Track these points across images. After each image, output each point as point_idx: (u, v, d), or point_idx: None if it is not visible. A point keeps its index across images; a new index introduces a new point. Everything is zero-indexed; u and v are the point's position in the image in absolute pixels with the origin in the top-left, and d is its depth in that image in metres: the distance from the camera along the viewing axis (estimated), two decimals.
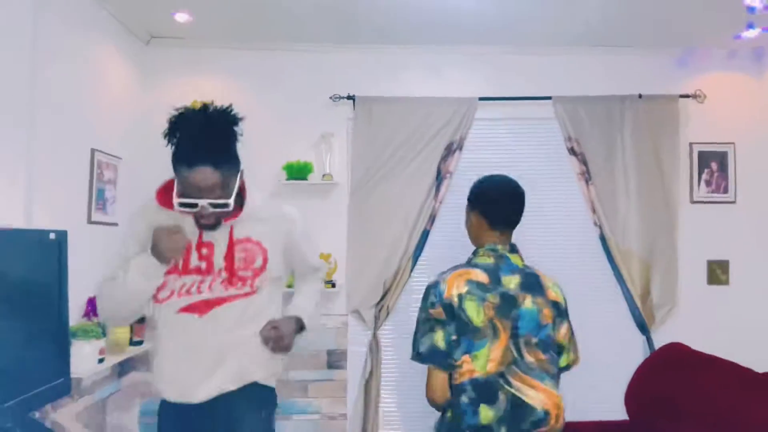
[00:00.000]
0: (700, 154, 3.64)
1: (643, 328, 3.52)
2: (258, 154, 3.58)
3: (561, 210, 3.63)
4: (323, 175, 3.56)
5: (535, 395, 1.77)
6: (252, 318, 1.83)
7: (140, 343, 3.12)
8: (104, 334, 2.72)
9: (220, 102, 3.98)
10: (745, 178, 3.64)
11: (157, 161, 3.52)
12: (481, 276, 1.83)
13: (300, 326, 1.94)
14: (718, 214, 3.63)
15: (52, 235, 2.09)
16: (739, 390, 2.20)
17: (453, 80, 3.67)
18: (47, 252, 2.08)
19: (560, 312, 1.88)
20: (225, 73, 3.62)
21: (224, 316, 1.80)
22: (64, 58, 2.64)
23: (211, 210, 1.70)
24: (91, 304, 2.76)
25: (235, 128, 1.78)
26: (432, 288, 1.87)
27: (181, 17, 3.23)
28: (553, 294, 1.88)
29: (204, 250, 1.81)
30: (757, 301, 3.58)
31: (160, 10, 3.16)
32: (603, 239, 3.53)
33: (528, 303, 1.82)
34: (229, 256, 1.80)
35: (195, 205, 1.69)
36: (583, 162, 3.55)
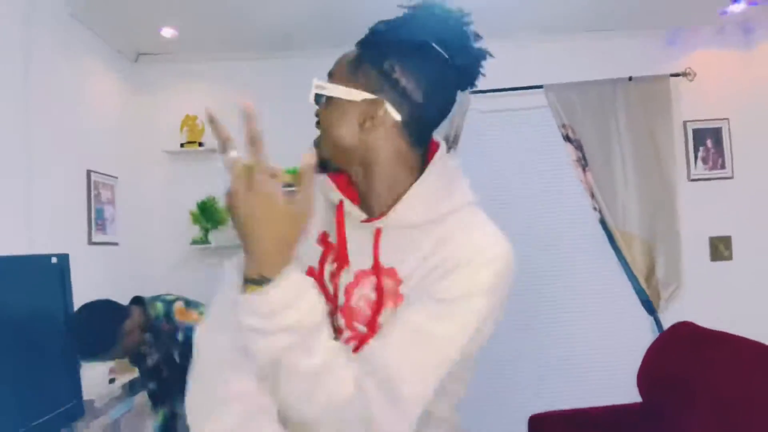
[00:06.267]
0: (695, 131, 3.64)
1: (650, 309, 3.52)
2: None
3: (560, 197, 3.61)
4: None
5: None
6: None
7: None
8: None
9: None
10: (741, 153, 3.64)
11: (152, 178, 3.58)
12: None
13: None
14: (717, 191, 3.62)
15: (53, 259, 2.09)
16: (752, 364, 2.20)
17: None
18: (50, 276, 2.08)
19: None
20: (215, 85, 3.61)
21: None
22: (54, 83, 2.64)
23: None
24: None
25: None
26: None
27: (168, 32, 3.23)
28: None
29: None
30: (762, 274, 3.58)
31: (145, 26, 3.16)
32: (603, 223, 3.53)
33: None
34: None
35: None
36: (579, 148, 3.54)
